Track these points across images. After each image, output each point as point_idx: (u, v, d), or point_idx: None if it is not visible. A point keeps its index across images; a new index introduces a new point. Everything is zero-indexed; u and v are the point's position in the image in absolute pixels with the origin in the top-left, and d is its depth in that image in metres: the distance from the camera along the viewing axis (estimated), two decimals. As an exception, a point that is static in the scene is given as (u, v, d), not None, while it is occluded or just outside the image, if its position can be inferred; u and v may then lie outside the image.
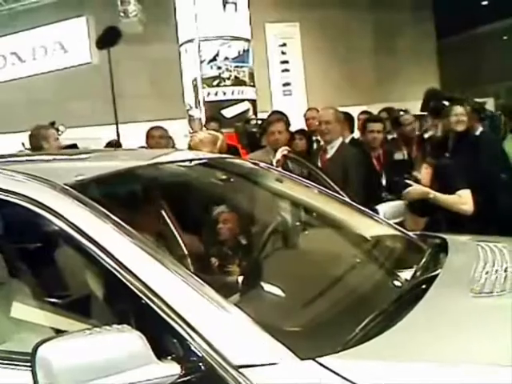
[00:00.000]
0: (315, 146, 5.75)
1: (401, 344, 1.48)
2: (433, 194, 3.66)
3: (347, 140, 5.03)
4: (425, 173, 3.88)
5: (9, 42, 11.62)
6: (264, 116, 7.25)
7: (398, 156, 5.15)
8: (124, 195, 2.22)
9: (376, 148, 5.11)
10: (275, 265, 2.03)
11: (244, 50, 9.46)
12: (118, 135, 6.32)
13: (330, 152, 4.65)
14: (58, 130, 7.63)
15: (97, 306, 1.81)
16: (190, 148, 4.07)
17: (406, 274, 2.06)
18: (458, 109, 4.51)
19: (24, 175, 1.76)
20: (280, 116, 5.44)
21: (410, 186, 3.74)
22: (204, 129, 4.38)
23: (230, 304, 1.48)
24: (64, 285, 2.05)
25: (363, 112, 6.83)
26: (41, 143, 4.53)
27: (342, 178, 4.20)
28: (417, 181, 3.83)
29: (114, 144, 6.68)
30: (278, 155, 4.12)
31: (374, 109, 7.51)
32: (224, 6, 9.23)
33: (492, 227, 3.57)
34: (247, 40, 9.62)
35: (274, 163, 3.96)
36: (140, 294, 1.46)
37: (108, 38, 7.56)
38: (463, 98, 5.49)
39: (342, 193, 3.41)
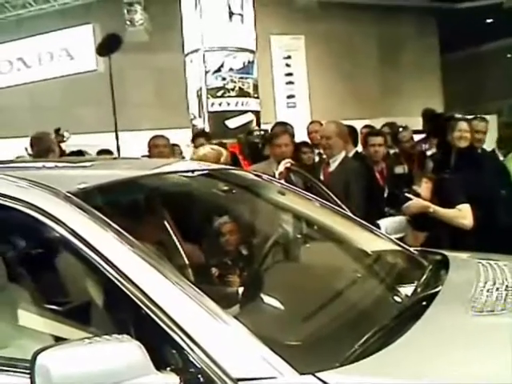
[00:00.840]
0: (317, 158, 5.76)
1: (400, 361, 1.47)
2: (432, 208, 3.66)
3: (351, 154, 4.99)
4: (425, 187, 3.88)
5: (15, 47, 11.67)
6: (268, 127, 7.27)
7: (399, 170, 5.15)
8: (126, 204, 2.23)
9: (378, 162, 5.12)
10: (276, 277, 2.02)
11: (249, 62, 9.50)
12: (118, 143, 6.33)
13: (333, 166, 4.66)
14: (62, 136, 7.67)
15: (96, 314, 1.81)
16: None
17: (406, 290, 2.06)
18: (463, 125, 4.52)
19: (27, 182, 1.76)
20: (285, 128, 5.46)
21: (410, 199, 3.74)
22: (206, 144, 4.34)
23: (229, 316, 1.48)
24: (64, 292, 2.05)
25: (366, 126, 6.84)
26: (49, 146, 4.55)
27: (343, 192, 4.20)
28: (417, 195, 3.83)
29: (105, 152, 6.66)
30: (281, 167, 4.11)
31: (378, 123, 7.53)
32: (230, 17, 9.27)
33: (490, 242, 3.57)
34: (252, 51, 9.66)
35: (277, 175, 3.96)
36: (139, 304, 1.46)
37: (109, 45, 7.58)
38: (461, 117, 5.50)
39: (343, 206, 3.42)
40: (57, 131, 8.24)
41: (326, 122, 5.10)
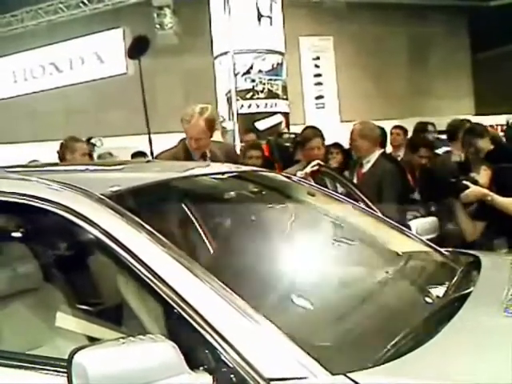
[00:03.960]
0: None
1: (431, 363, 1.46)
2: (491, 196, 3.57)
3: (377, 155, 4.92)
4: (484, 174, 3.80)
5: (47, 52, 11.86)
6: (296, 128, 7.26)
7: (455, 158, 5.10)
8: (158, 206, 2.25)
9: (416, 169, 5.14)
10: (307, 278, 2.03)
11: (278, 64, 9.50)
12: (151, 145, 6.39)
13: (366, 167, 4.64)
14: (94, 145, 7.77)
15: (130, 314, 1.83)
16: None
17: (438, 292, 2.04)
18: None
19: (61, 184, 1.80)
20: (317, 131, 5.45)
21: (468, 187, 3.67)
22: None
23: (261, 316, 1.48)
24: (98, 293, 2.09)
25: (396, 126, 6.80)
26: (66, 155, 4.62)
27: (376, 193, 4.19)
28: (474, 182, 3.76)
29: (140, 155, 6.74)
30: (308, 169, 4.11)
31: (407, 123, 7.46)
32: (259, 20, 9.29)
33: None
34: (281, 53, 9.67)
35: (299, 174, 3.91)
36: (172, 304, 1.48)
37: (138, 47, 7.65)
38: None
39: (373, 207, 3.40)
40: (88, 140, 8.37)
41: (355, 123, 5.06)
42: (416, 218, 4.63)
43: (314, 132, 5.30)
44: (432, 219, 3.30)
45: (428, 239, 2.73)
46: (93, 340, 1.82)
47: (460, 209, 3.72)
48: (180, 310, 1.47)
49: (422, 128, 6.59)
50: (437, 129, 6.84)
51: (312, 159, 4.57)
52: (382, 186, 4.38)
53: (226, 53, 9.34)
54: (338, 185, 4.15)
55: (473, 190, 3.64)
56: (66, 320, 1.98)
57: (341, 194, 3.61)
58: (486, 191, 3.62)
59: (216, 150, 4.13)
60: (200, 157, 4.04)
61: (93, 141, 8.86)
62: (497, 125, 11.52)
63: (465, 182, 3.67)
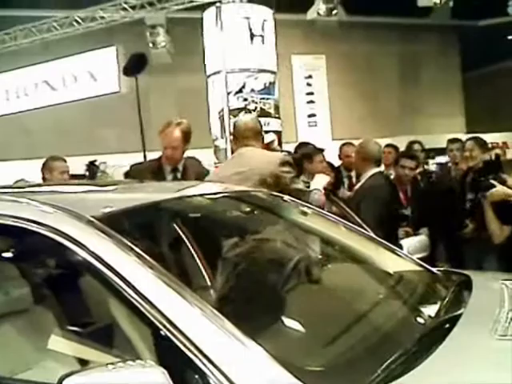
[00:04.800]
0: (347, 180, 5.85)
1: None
2: None
3: (370, 173, 4.91)
4: None
5: (41, 70, 11.87)
6: (289, 146, 7.28)
7: (485, 157, 5.13)
8: (149, 228, 2.25)
9: (405, 184, 5.15)
10: (297, 300, 2.02)
11: (270, 83, 9.53)
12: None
13: (359, 184, 4.68)
14: (97, 167, 7.78)
15: (120, 337, 1.82)
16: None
17: (429, 313, 2.04)
18: None
19: (51, 206, 1.79)
20: (315, 147, 5.52)
21: (494, 186, 3.66)
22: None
23: (250, 340, 1.47)
24: (88, 315, 2.07)
25: (388, 145, 6.84)
26: (45, 174, 4.65)
27: (363, 209, 4.19)
28: (502, 182, 3.76)
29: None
30: (324, 184, 4.05)
31: (399, 141, 7.50)
32: (251, 39, 9.34)
33: None
34: (273, 72, 9.71)
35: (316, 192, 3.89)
36: (161, 327, 1.47)
37: (135, 65, 7.64)
38: None
39: (365, 226, 3.41)
40: (92, 163, 8.40)
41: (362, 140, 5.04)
42: (407, 234, 4.68)
43: (314, 148, 5.36)
44: (423, 238, 3.30)
45: (419, 258, 2.74)
46: (82, 362, 1.80)
47: (488, 209, 3.72)
48: (168, 334, 1.46)
49: (408, 146, 6.69)
50: (425, 146, 6.90)
51: (321, 172, 4.61)
52: (367, 202, 4.38)
53: (218, 72, 9.37)
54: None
55: (498, 190, 3.63)
56: (54, 342, 1.96)
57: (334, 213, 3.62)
58: (509, 191, 3.61)
59: (188, 165, 4.19)
60: (172, 171, 4.10)
61: (96, 163, 8.93)
62: (490, 143, 11.62)
63: (492, 181, 3.67)
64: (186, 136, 4.10)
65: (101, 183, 3.03)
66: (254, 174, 3.50)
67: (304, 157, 5.07)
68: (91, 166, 9.03)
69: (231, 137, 3.99)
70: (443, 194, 5.45)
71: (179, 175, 4.10)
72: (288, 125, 11.68)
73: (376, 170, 4.76)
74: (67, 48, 11.29)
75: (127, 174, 5.11)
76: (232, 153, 4.13)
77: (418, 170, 5.78)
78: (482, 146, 4.89)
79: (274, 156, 3.85)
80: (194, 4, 10.23)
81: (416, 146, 6.66)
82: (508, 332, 1.75)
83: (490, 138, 10.85)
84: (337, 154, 6.76)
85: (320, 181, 4.00)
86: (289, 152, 5.95)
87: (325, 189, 4.03)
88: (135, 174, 4.20)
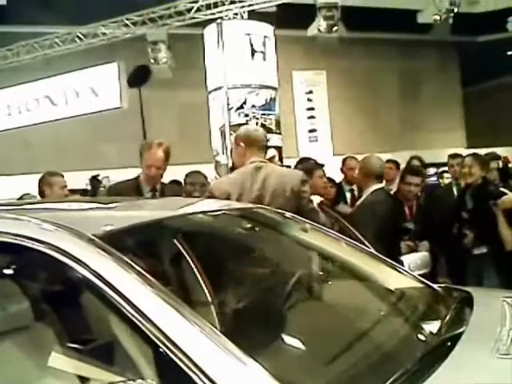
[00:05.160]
0: (348, 195, 5.85)
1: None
2: None
3: (371, 189, 4.90)
4: None
5: (42, 86, 11.92)
6: (290, 162, 7.29)
7: (493, 165, 5.15)
8: (150, 246, 2.25)
9: (411, 199, 5.17)
10: (297, 317, 2.02)
11: (271, 98, 9.58)
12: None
13: (360, 200, 4.67)
14: (100, 182, 7.78)
15: (119, 354, 1.82)
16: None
17: (430, 331, 2.03)
18: None
19: (52, 224, 1.80)
20: (315, 162, 5.52)
21: (505, 193, 3.67)
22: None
23: (250, 359, 1.47)
24: (87, 332, 2.07)
25: (388, 161, 6.85)
26: (43, 189, 4.68)
27: (364, 225, 4.18)
28: None
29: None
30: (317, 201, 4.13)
31: (400, 156, 7.52)
32: (252, 55, 9.40)
33: None
34: (274, 88, 9.76)
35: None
36: (161, 345, 1.47)
37: (138, 77, 7.66)
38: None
39: (366, 243, 3.40)
40: (95, 177, 8.40)
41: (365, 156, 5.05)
42: (409, 247, 4.67)
43: (314, 163, 5.37)
44: (424, 254, 3.30)
45: (420, 274, 2.73)
46: (83, 380, 1.80)
47: (500, 216, 3.72)
48: (168, 351, 1.46)
49: (408, 162, 6.72)
50: (425, 162, 6.93)
51: (320, 188, 4.65)
52: (368, 218, 4.37)
53: (219, 88, 9.42)
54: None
55: (509, 197, 3.64)
56: (56, 360, 1.96)
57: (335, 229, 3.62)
58: None
59: (166, 188, 4.35)
60: (150, 190, 4.16)
61: (99, 177, 8.93)
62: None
63: (502, 188, 3.69)
64: (167, 156, 4.19)
65: (102, 200, 3.03)
66: (278, 191, 3.45)
67: (304, 172, 5.08)
68: (94, 180, 9.05)
69: (234, 145, 3.85)
70: (443, 208, 5.46)
71: (158, 195, 4.19)
72: (289, 140, 11.72)
73: (378, 185, 4.76)
74: (69, 64, 11.36)
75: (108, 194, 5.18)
76: (233, 164, 4.03)
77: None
78: (481, 162, 4.90)
79: (295, 173, 3.79)
80: (195, 21, 10.29)
81: (415, 162, 6.67)
82: (510, 351, 1.75)
83: (483, 152, 10.87)
84: (337, 168, 6.76)
85: (314, 200, 4.07)
86: (288, 167, 5.97)
87: (321, 203, 4.07)
88: (114, 193, 4.25)
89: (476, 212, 4.61)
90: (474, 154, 5.09)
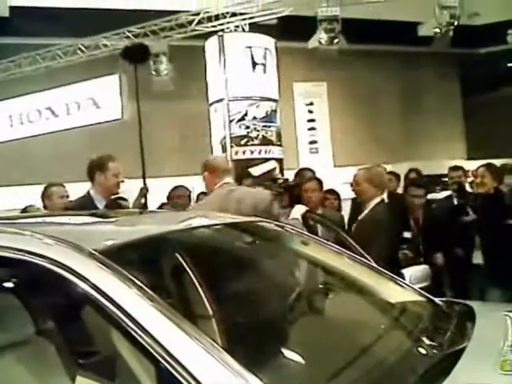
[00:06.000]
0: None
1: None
2: None
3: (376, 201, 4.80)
4: None
5: (44, 97, 11.96)
6: (291, 173, 7.30)
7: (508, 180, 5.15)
8: (152, 260, 2.25)
9: (415, 210, 5.17)
10: (299, 332, 2.01)
11: (272, 110, 9.62)
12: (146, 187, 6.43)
13: (363, 213, 4.64)
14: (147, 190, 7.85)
15: (120, 369, 1.81)
16: None
17: (432, 346, 2.02)
18: None
19: (53, 239, 1.80)
20: (313, 175, 5.52)
21: None
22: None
23: (251, 374, 1.46)
24: (88, 347, 2.06)
25: (388, 172, 6.86)
26: (44, 202, 4.77)
27: (366, 240, 4.16)
28: None
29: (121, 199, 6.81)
30: (294, 214, 4.20)
31: (401, 167, 7.53)
32: (253, 68, 9.44)
33: None
34: (275, 100, 9.80)
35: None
36: (162, 361, 1.47)
37: (136, 54, 7.51)
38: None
39: (365, 255, 3.39)
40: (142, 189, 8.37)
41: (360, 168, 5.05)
42: (406, 256, 4.67)
43: (311, 175, 5.36)
44: (424, 267, 3.29)
45: (421, 287, 2.72)
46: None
47: None
48: (169, 367, 1.45)
49: (405, 175, 6.75)
50: (423, 173, 6.97)
51: (307, 201, 4.65)
52: (370, 233, 4.36)
53: (221, 100, 9.46)
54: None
55: None
56: (57, 375, 1.96)
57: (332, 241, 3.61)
58: None
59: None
60: (105, 206, 4.26)
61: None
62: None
63: None
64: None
65: (104, 214, 3.03)
66: (251, 210, 3.70)
67: (299, 185, 5.11)
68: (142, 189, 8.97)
69: (206, 173, 4.17)
70: (445, 221, 5.46)
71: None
72: (289, 151, 11.74)
73: (381, 198, 4.73)
74: (71, 75, 11.40)
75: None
76: (207, 188, 4.32)
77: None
78: (494, 172, 4.88)
79: (265, 193, 4.12)
80: (197, 33, 10.35)
81: (412, 175, 6.69)
82: (512, 367, 1.74)
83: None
84: (338, 180, 6.76)
85: (298, 210, 4.21)
86: (286, 179, 6.02)
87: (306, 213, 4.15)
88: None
89: (483, 222, 4.60)
90: (488, 164, 5.08)
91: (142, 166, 6.40)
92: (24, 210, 5.90)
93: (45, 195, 4.86)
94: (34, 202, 5.79)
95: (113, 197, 4.60)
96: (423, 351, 2.05)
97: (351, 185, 6.28)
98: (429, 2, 9.29)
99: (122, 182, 4.34)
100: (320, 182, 5.19)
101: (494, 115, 16.45)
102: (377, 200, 4.64)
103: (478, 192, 5.00)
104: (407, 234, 5.30)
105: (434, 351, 1.98)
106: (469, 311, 2.39)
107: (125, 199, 6.18)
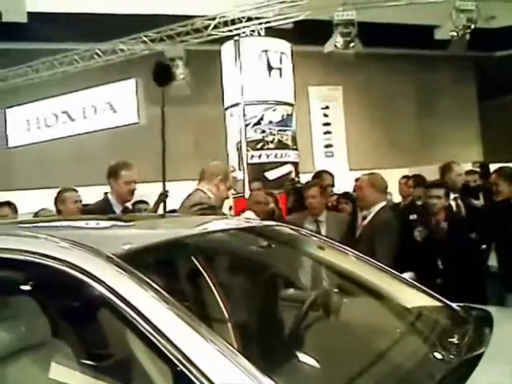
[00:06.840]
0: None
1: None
2: None
3: (379, 206, 4.69)
4: None
5: (61, 101, 12.07)
6: (306, 177, 7.31)
7: None
8: (169, 264, 2.25)
9: (436, 213, 4.98)
10: (315, 336, 2.00)
11: (287, 115, 9.62)
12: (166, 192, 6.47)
13: (367, 219, 4.61)
14: (166, 195, 7.94)
15: (136, 372, 1.82)
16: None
17: (450, 352, 2.00)
18: None
19: (70, 242, 1.81)
20: (318, 180, 5.51)
21: None
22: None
23: (267, 377, 1.46)
24: (104, 351, 2.07)
25: (404, 177, 6.83)
26: (58, 206, 4.83)
27: (369, 247, 4.12)
28: None
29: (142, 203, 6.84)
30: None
31: (416, 171, 7.48)
32: (269, 72, 9.45)
33: None
34: (291, 104, 9.79)
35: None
36: (178, 363, 1.48)
37: (162, 75, 7.61)
38: None
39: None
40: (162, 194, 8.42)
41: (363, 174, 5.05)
42: (421, 232, 4.64)
43: (314, 181, 5.35)
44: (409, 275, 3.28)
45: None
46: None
47: None
48: (185, 370, 1.46)
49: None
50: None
51: (309, 208, 4.71)
52: (375, 240, 4.32)
53: (236, 104, 9.48)
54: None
55: None
56: (73, 377, 1.97)
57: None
58: None
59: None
60: (122, 210, 4.40)
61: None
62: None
63: None
64: None
65: (121, 218, 3.06)
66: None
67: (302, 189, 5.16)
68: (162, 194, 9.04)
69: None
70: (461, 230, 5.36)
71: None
72: (305, 155, 11.72)
73: (384, 204, 4.68)
74: (88, 80, 11.49)
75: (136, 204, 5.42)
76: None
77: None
78: (507, 177, 4.63)
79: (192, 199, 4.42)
80: (213, 37, 10.38)
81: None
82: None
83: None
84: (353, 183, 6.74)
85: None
86: (293, 180, 6.14)
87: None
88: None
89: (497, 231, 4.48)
90: (500, 169, 4.83)
91: (163, 170, 6.42)
92: (36, 214, 5.95)
93: (58, 200, 4.93)
94: (51, 207, 5.83)
95: (133, 200, 4.70)
96: (441, 357, 2.03)
97: (354, 190, 6.29)
98: (445, 6, 9.24)
99: (134, 189, 4.49)
100: (323, 188, 5.09)
101: (510, 118, 16.31)
102: (381, 204, 4.61)
103: (497, 200, 4.77)
104: (413, 216, 5.25)
105: (452, 357, 1.96)
106: (486, 316, 2.36)
107: (146, 202, 6.25)
